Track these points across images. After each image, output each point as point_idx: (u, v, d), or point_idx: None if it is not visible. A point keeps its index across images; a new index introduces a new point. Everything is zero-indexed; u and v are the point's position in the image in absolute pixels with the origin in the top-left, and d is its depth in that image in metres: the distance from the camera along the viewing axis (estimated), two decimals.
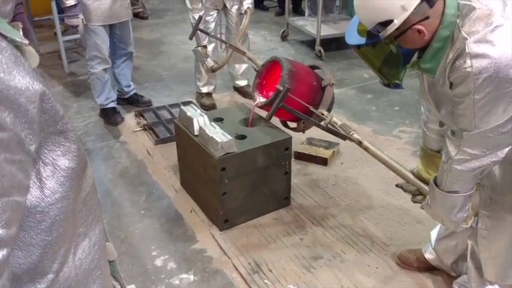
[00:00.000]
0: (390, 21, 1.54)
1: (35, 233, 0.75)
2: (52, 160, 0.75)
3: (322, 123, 2.30)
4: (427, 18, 1.53)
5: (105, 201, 3.06)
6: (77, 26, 3.57)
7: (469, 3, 1.52)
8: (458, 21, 1.53)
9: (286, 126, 2.77)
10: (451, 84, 1.59)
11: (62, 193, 0.77)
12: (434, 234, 2.40)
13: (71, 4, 3.48)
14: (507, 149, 1.62)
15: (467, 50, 1.48)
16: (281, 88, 2.24)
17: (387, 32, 1.56)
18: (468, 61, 1.47)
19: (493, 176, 1.85)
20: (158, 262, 2.58)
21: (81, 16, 3.56)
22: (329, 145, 3.47)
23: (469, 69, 1.48)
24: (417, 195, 2.07)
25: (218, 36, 4.32)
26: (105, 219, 2.80)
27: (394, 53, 1.69)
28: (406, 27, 1.55)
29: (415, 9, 1.51)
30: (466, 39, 1.49)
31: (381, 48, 1.71)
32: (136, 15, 6.87)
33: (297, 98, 2.31)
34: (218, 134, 2.63)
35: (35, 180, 0.73)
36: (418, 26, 1.54)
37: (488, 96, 1.49)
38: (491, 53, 1.45)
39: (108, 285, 0.95)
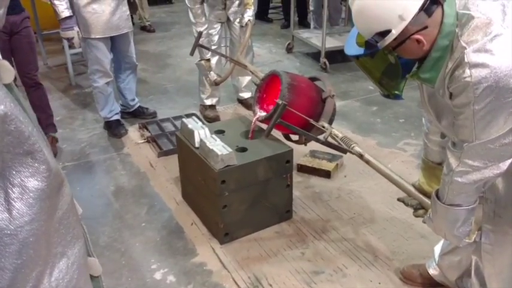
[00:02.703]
0: (388, 31, 1.51)
1: (3, 257, 0.72)
2: (20, 181, 0.73)
3: (322, 136, 2.26)
4: (425, 27, 1.51)
5: (106, 214, 3.05)
6: (72, 38, 3.52)
7: (468, 12, 1.49)
8: (457, 30, 1.50)
9: (288, 138, 2.74)
10: (451, 95, 1.56)
11: (32, 215, 0.75)
12: (437, 249, 2.35)
13: (66, 16, 3.44)
14: (509, 160, 1.57)
15: (466, 60, 1.45)
16: (279, 103, 2.21)
17: (385, 42, 1.54)
18: (467, 71, 1.44)
19: (496, 189, 1.81)
20: (157, 275, 2.54)
21: (76, 28, 3.51)
22: (332, 158, 3.44)
23: (468, 79, 1.44)
24: (419, 209, 2.03)
25: (222, 48, 4.31)
26: (106, 231, 2.84)
27: (393, 63, 1.67)
28: (404, 37, 1.52)
29: (413, 19, 1.49)
30: (465, 48, 1.46)
31: (380, 59, 1.69)
32: (143, 28, 6.96)
33: (296, 112, 2.28)
34: (218, 147, 2.60)
35: (2, 202, 0.71)
36: (417, 36, 1.52)
37: (488, 107, 1.46)
38: (491, 63, 1.41)
39: None
